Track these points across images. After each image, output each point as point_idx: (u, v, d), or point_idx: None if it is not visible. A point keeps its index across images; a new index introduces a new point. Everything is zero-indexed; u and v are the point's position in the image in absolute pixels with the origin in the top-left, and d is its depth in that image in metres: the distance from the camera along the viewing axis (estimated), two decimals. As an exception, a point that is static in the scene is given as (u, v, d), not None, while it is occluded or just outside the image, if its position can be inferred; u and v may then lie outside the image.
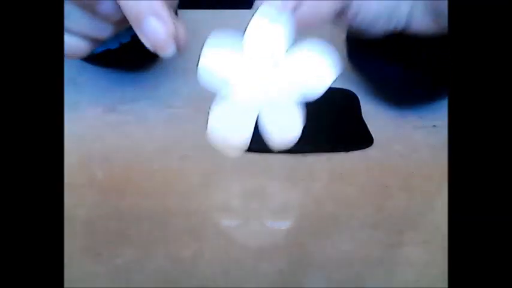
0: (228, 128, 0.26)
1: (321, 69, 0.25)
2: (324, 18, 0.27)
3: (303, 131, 0.31)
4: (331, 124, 0.34)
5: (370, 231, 0.28)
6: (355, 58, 0.36)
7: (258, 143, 0.32)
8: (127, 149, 0.32)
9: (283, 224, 0.29)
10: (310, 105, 0.36)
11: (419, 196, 0.30)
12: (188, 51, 0.28)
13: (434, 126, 0.34)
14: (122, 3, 0.24)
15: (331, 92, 0.37)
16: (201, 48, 0.25)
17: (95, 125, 0.34)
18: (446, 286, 0.20)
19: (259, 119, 0.26)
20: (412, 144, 0.33)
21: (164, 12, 0.24)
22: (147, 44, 0.25)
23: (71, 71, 0.36)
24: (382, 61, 0.34)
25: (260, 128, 0.26)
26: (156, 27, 0.24)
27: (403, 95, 0.35)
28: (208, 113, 0.26)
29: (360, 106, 0.35)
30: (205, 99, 0.33)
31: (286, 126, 0.26)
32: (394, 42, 0.31)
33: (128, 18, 0.25)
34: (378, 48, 0.33)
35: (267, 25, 0.25)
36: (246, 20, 0.25)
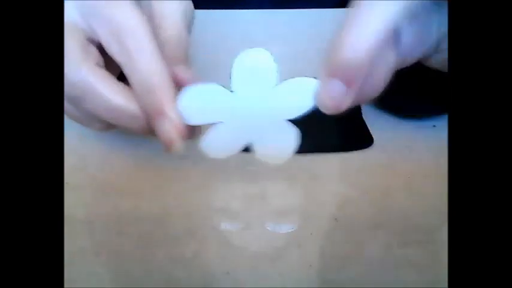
0: (220, 149, 0.28)
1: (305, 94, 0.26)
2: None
3: (303, 131, 0.31)
4: (331, 124, 0.34)
5: (370, 232, 0.28)
6: None
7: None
8: (127, 149, 0.32)
9: (283, 225, 0.29)
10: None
11: (419, 196, 0.30)
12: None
13: (434, 126, 0.34)
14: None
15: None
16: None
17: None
18: (446, 286, 0.20)
19: (252, 143, 0.28)
20: (412, 144, 0.33)
21: (174, 113, 0.25)
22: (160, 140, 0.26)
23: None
24: None
25: (255, 151, 0.28)
26: (166, 128, 0.26)
27: (404, 108, 0.34)
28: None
29: (360, 106, 0.36)
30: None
31: (280, 147, 0.28)
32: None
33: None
34: None
35: (255, 61, 0.25)
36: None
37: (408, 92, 0.33)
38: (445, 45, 0.27)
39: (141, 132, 0.27)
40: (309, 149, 0.33)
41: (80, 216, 0.29)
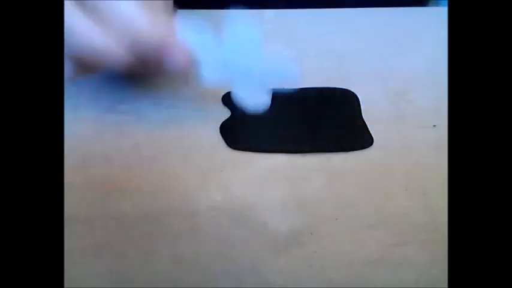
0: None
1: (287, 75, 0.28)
2: None
3: (303, 131, 0.31)
4: (331, 124, 0.34)
5: (370, 232, 0.29)
6: None
7: (246, 142, 0.33)
8: (127, 149, 0.32)
9: (283, 225, 0.29)
10: (311, 105, 0.36)
11: (419, 196, 0.30)
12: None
13: (435, 126, 0.34)
14: (139, 53, 0.26)
15: (331, 92, 0.37)
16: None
17: (94, 125, 0.34)
18: (446, 286, 0.20)
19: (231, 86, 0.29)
20: (412, 144, 0.33)
21: (178, 45, 0.26)
22: (171, 72, 0.27)
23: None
24: None
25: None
26: (177, 62, 0.26)
27: None
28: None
29: (360, 106, 0.36)
30: (206, 99, 0.33)
31: (253, 98, 0.30)
32: None
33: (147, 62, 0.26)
34: None
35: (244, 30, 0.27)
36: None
37: None
38: None
39: (123, 70, 0.27)
40: (309, 149, 0.33)
41: (80, 216, 0.29)
